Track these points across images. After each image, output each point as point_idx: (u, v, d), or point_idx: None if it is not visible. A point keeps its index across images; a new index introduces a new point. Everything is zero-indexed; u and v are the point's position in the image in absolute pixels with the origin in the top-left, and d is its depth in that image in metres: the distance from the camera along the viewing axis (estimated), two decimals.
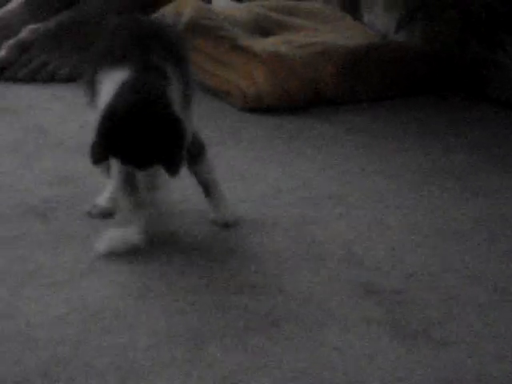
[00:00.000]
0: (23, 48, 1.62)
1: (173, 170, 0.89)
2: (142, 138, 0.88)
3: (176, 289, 0.88)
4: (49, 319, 0.81)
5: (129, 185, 0.94)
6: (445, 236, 1.05)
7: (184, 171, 0.95)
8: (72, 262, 0.93)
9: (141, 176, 0.93)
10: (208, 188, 1.02)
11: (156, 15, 1.09)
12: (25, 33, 1.64)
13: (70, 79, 1.64)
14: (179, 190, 1.14)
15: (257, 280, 0.90)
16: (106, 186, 1.06)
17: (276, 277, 0.92)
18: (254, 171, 1.23)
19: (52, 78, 1.63)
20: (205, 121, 1.47)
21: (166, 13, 1.83)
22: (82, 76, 0.99)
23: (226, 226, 1.04)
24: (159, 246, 0.98)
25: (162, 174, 0.93)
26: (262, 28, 1.86)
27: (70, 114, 1.44)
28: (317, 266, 0.95)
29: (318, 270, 0.94)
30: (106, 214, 1.04)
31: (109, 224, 1.02)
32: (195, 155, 1.01)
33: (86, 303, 0.85)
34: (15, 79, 1.61)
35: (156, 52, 0.94)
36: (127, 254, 0.95)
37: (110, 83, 0.91)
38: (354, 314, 0.85)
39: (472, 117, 1.59)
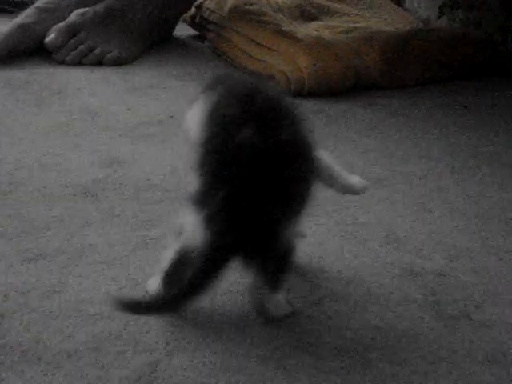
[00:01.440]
0: (72, 32, 1.64)
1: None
2: None
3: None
4: (99, 296, 0.83)
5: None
6: (486, 220, 1.06)
7: None
8: (120, 240, 0.95)
9: None
10: None
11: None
12: (73, 17, 1.66)
13: (116, 63, 1.65)
14: None
15: (300, 261, 0.91)
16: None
17: (319, 258, 0.93)
18: None
19: (99, 62, 1.64)
20: None
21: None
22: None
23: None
24: None
25: None
26: (305, 13, 1.86)
27: (116, 98, 1.46)
28: (359, 248, 0.96)
29: (360, 252, 0.95)
30: None
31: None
32: None
33: (134, 280, 0.86)
34: (63, 62, 1.62)
35: None
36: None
37: None
38: (396, 295, 0.86)
39: None
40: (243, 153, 0.73)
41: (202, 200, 0.74)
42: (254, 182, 0.73)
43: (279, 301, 0.81)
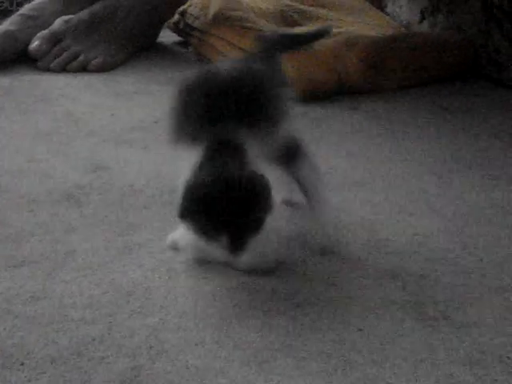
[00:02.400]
0: (56, 39, 1.64)
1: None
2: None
3: (205, 271, 0.90)
4: (82, 301, 0.84)
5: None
6: (467, 221, 1.06)
7: None
8: (104, 246, 0.95)
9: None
10: (307, 192, 0.98)
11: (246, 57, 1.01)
12: (57, 24, 1.66)
13: (100, 69, 1.66)
14: None
15: (282, 263, 0.92)
16: None
17: (301, 261, 0.94)
18: None
19: (83, 69, 1.65)
20: None
21: (193, 5, 1.85)
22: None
23: (322, 252, 0.96)
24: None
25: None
26: (288, 19, 1.87)
27: (100, 103, 1.47)
28: (341, 250, 0.97)
29: (342, 255, 0.96)
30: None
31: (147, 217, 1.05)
32: (291, 155, 0.97)
33: (118, 285, 0.87)
34: (48, 69, 1.63)
35: (230, 119, 0.87)
36: (153, 241, 0.97)
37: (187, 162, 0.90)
38: (378, 297, 0.87)
39: (495, 105, 1.59)
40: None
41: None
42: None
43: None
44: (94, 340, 0.77)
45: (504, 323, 0.83)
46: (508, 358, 0.77)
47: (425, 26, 1.96)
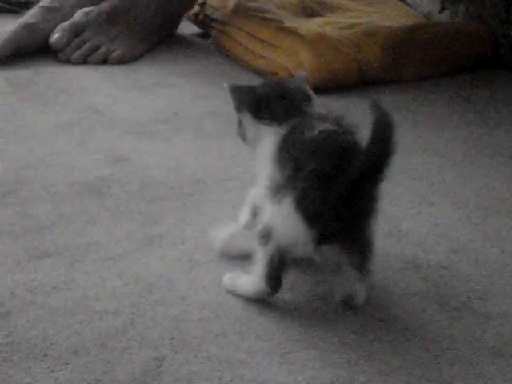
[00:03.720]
0: (76, 31, 1.65)
1: None
2: None
3: (225, 263, 0.90)
4: (105, 292, 0.84)
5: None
6: (489, 212, 1.06)
7: None
8: (126, 237, 0.96)
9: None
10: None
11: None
12: (78, 16, 1.67)
13: (121, 61, 1.66)
14: None
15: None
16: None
17: None
18: None
19: (104, 61, 1.65)
20: None
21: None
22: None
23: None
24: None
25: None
26: (307, 9, 1.87)
27: (121, 96, 1.47)
28: None
29: None
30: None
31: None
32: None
33: (140, 277, 0.87)
34: (69, 61, 1.63)
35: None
36: (174, 232, 0.97)
37: None
38: (399, 288, 0.87)
39: None
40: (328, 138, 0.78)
41: (286, 187, 0.77)
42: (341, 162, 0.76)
43: (361, 290, 0.82)
44: (116, 331, 0.78)
45: None
46: None
47: (445, 16, 1.95)
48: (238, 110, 0.88)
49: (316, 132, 0.78)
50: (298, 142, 0.79)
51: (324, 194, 0.75)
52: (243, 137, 0.89)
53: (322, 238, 0.77)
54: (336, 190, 0.75)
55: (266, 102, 0.86)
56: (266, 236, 0.79)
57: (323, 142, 0.77)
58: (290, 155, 0.78)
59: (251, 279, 0.81)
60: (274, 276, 0.80)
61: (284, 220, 0.77)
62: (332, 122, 0.81)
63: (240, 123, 0.88)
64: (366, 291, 0.83)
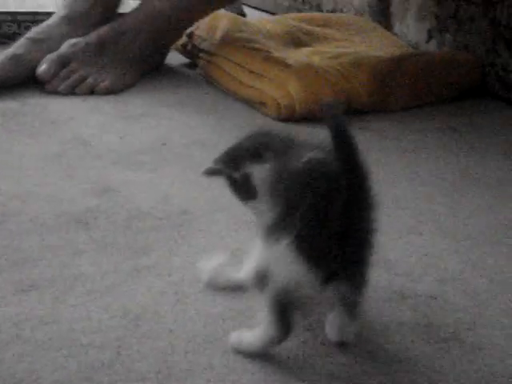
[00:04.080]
0: (64, 62, 1.65)
1: None
2: None
3: (213, 294, 0.90)
4: (91, 325, 0.83)
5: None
6: (478, 242, 1.06)
7: None
8: (112, 269, 0.95)
9: None
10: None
11: None
12: (65, 47, 1.67)
13: (109, 92, 1.66)
14: None
15: None
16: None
17: None
18: None
19: (91, 91, 1.65)
20: (241, 131, 1.48)
21: (201, 27, 1.86)
22: None
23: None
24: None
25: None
26: (295, 40, 1.88)
27: (109, 126, 1.47)
28: None
29: None
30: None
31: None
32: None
33: (126, 309, 0.87)
34: (56, 92, 1.63)
35: None
36: (161, 263, 0.97)
37: None
38: (387, 318, 0.87)
39: (503, 124, 1.59)
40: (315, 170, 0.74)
41: (282, 227, 0.74)
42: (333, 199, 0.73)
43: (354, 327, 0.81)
44: (102, 365, 0.77)
45: None
46: None
47: (432, 46, 1.96)
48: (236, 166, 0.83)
49: (303, 162, 0.76)
50: (286, 174, 0.76)
51: (323, 230, 0.73)
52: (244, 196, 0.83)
53: (326, 277, 0.74)
54: (335, 224, 0.73)
55: (258, 145, 0.83)
56: (262, 280, 0.75)
57: (313, 173, 0.75)
58: (280, 190, 0.76)
59: (257, 330, 0.78)
60: (282, 319, 0.76)
61: (284, 262, 0.74)
62: (318, 150, 0.78)
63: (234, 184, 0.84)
64: (357, 329, 0.81)
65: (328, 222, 0.73)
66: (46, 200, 1.14)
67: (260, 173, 0.81)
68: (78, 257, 0.98)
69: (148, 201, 1.14)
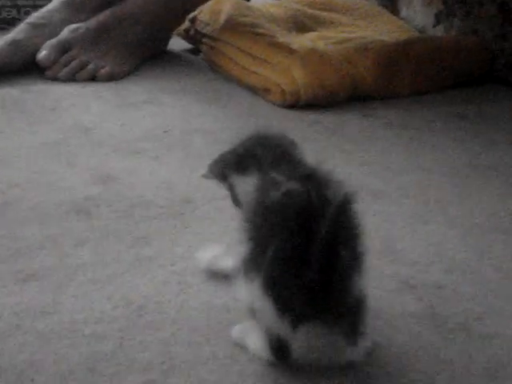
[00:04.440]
0: (64, 48, 1.63)
1: None
2: None
3: (216, 284, 0.89)
4: (93, 315, 0.82)
5: None
6: (485, 231, 1.05)
7: None
8: (114, 258, 0.94)
9: None
10: None
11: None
12: (65, 33, 1.65)
13: (110, 78, 1.65)
14: None
15: None
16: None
17: None
18: None
19: (92, 78, 1.64)
20: (244, 117, 1.47)
21: (203, 12, 1.84)
22: None
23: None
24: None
25: None
26: (300, 24, 1.86)
27: (110, 113, 1.46)
28: None
29: None
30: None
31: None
32: None
33: (129, 299, 0.85)
34: (56, 79, 1.62)
35: None
36: (164, 252, 0.96)
37: None
38: (394, 308, 0.86)
39: (510, 110, 1.58)
40: (290, 204, 0.70)
41: (254, 263, 0.71)
42: (305, 233, 0.69)
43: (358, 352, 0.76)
44: (105, 355, 0.76)
45: None
46: None
47: (440, 30, 1.94)
48: (223, 176, 0.82)
49: (280, 194, 0.72)
50: (262, 205, 0.73)
51: (295, 273, 0.69)
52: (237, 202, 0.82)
53: (298, 321, 0.70)
54: (309, 267, 0.68)
55: (247, 156, 0.80)
56: (250, 312, 0.74)
57: (288, 210, 0.70)
58: (253, 222, 0.73)
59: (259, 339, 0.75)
60: (275, 347, 0.74)
61: (257, 303, 0.72)
62: (299, 177, 0.74)
63: (231, 188, 0.82)
64: (364, 349, 0.76)
65: (301, 265, 0.69)
66: (47, 188, 1.12)
67: (242, 186, 0.80)
68: (79, 246, 0.97)
69: (150, 189, 1.13)
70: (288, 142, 0.82)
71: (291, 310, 0.70)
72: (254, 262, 0.72)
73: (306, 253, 0.68)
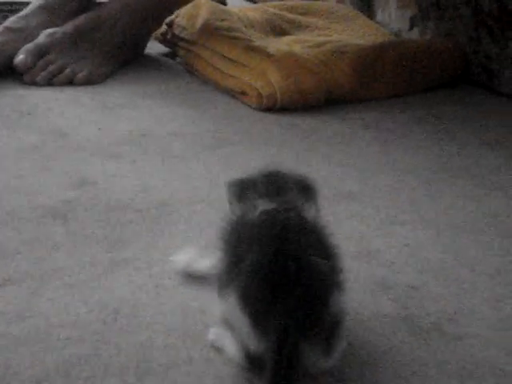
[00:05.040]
0: (41, 52, 1.63)
1: None
2: None
3: (193, 287, 0.89)
4: (68, 319, 0.82)
5: None
6: (459, 232, 1.06)
7: None
8: (90, 262, 0.94)
9: None
10: None
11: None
12: (42, 37, 1.65)
13: (87, 82, 1.64)
14: None
15: None
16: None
17: None
18: None
19: (70, 82, 1.64)
20: (221, 121, 1.48)
21: (181, 15, 1.85)
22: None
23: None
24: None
25: None
26: (277, 28, 1.87)
27: (87, 118, 1.45)
28: None
29: None
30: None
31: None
32: None
33: (105, 303, 0.85)
34: (33, 83, 1.62)
35: None
36: (140, 256, 0.96)
37: None
38: (368, 309, 0.86)
39: (485, 112, 1.59)
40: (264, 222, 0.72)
41: (229, 279, 0.72)
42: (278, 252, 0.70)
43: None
44: (80, 359, 0.76)
45: (497, 334, 0.82)
46: (501, 370, 0.76)
47: (415, 34, 1.95)
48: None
49: (257, 214, 0.74)
50: (237, 224, 0.75)
51: (269, 289, 0.69)
52: None
53: (273, 337, 0.69)
54: (284, 284, 0.69)
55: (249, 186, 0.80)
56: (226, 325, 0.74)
57: (261, 228, 0.72)
58: (230, 240, 0.74)
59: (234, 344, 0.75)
60: (249, 358, 0.73)
61: (233, 319, 0.72)
62: (275, 197, 0.75)
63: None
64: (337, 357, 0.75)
65: (277, 281, 0.69)
66: (23, 192, 1.12)
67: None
68: (55, 250, 0.97)
69: (127, 193, 1.13)
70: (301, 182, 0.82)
71: (265, 325, 0.69)
72: (228, 277, 0.72)
73: (279, 270, 0.69)
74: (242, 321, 0.71)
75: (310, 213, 0.77)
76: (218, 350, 0.78)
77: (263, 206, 0.75)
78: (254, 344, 0.71)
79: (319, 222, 0.75)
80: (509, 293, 0.91)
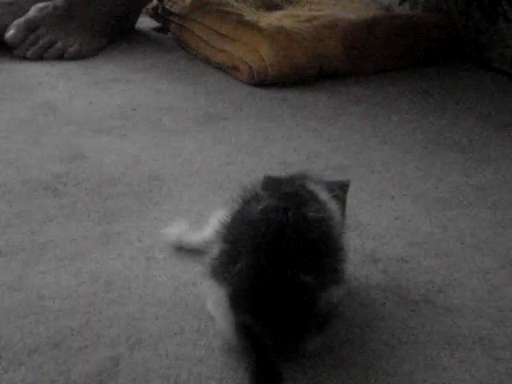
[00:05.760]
0: (31, 27, 1.62)
1: None
2: None
3: (184, 259, 0.90)
4: (60, 291, 0.83)
5: None
6: (448, 205, 1.06)
7: None
8: (82, 235, 0.94)
9: None
10: None
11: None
12: (33, 12, 1.64)
13: (78, 57, 1.64)
14: None
15: None
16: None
17: None
18: (260, 144, 1.24)
19: (60, 56, 1.63)
20: (212, 96, 1.47)
21: None
22: None
23: None
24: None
25: None
26: (268, 2, 1.86)
27: (78, 92, 1.45)
28: None
29: None
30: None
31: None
32: None
33: (96, 275, 0.86)
34: (24, 58, 1.61)
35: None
36: (131, 229, 0.96)
37: None
38: (359, 281, 0.87)
39: (475, 86, 1.59)
40: (264, 222, 0.71)
41: (222, 272, 0.72)
42: (276, 251, 0.70)
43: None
44: (72, 331, 0.76)
45: (485, 305, 0.83)
46: (489, 340, 0.77)
47: (406, 8, 1.95)
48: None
49: (258, 210, 0.73)
50: (239, 216, 0.74)
51: (261, 289, 0.69)
52: None
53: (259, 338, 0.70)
54: (275, 284, 0.69)
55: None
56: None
57: (261, 226, 0.71)
58: (229, 232, 0.74)
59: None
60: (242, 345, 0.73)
61: (218, 315, 0.73)
62: (281, 195, 0.75)
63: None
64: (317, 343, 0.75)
65: (269, 281, 0.69)
66: (14, 166, 1.12)
67: None
68: (46, 223, 0.97)
69: (118, 166, 1.13)
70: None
71: (254, 327, 0.70)
72: (222, 269, 0.72)
73: (274, 267, 0.69)
74: (225, 319, 0.72)
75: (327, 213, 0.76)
76: (209, 320, 0.78)
77: (265, 201, 0.74)
78: (233, 340, 0.72)
79: (327, 220, 0.75)
80: (497, 265, 0.91)
